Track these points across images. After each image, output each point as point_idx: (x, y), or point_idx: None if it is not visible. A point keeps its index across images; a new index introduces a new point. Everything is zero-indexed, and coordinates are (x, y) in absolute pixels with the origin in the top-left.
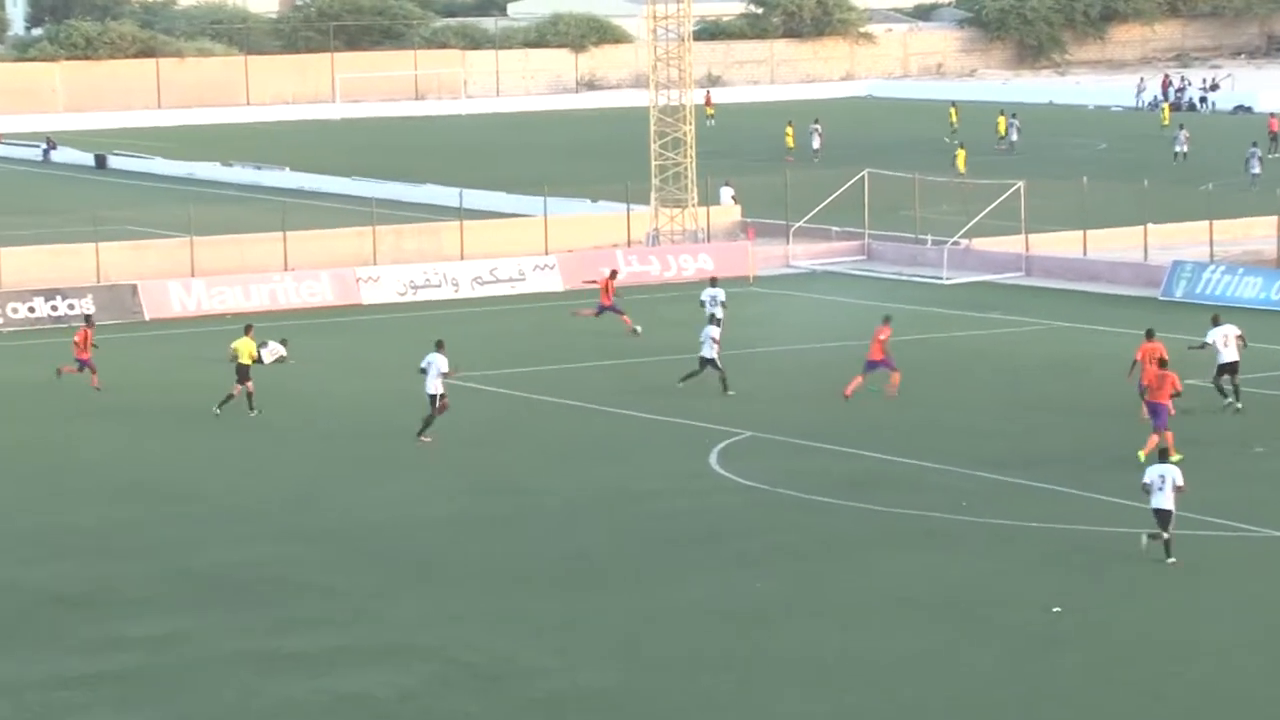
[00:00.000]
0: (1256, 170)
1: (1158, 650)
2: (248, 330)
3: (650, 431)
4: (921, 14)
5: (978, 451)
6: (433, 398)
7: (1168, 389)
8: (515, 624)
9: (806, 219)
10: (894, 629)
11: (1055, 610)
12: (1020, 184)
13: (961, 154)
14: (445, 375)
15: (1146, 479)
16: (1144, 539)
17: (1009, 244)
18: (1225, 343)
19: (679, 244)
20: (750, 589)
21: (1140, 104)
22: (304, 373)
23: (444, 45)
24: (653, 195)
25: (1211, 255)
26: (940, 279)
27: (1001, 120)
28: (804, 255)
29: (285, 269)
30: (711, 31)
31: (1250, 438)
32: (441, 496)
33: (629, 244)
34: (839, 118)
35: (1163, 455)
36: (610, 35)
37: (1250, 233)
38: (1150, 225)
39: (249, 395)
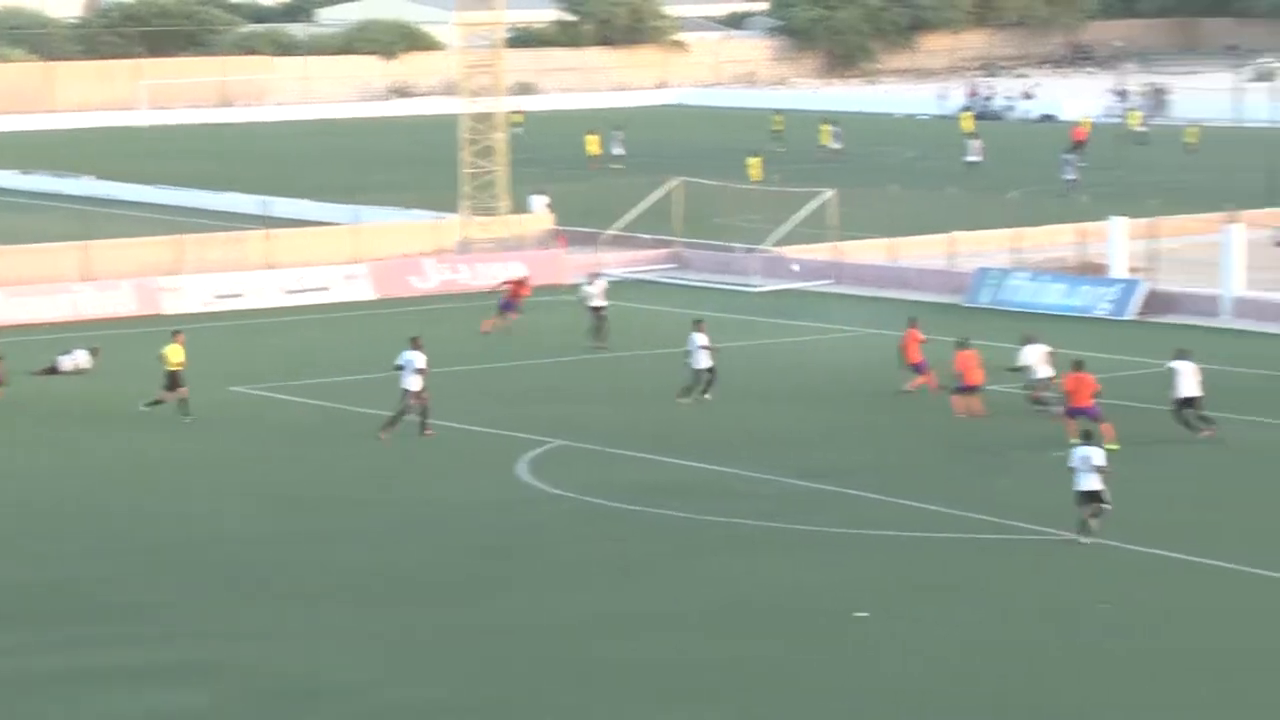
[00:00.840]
0: (1071, 176)
1: (973, 653)
2: (175, 336)
3: (461, 442)
4: (733, 23)
5: (786, 459)
6: (405, 393)
7: (1086, 391)
8: (328, 640)
9: (618, 227)
10: (712, 638)
11: (861, 615)
12: (830, 192)
13: (755, 162)
14: (421, 371)
15: (1071, 462)
16: (1081, 535)
17: (820, 251)
18: (1042, 361)
19: (490, 252)
20: (564, 600)
21: (946, 112)
22: (105, 384)
23: (252, 51)
24: (463, 203)
25: (1016, 262)
26: (751, 287)
27: (825, 128)
28: (616, 263)
29: (86, 278)
30: (524, 39)
31: (1050, 443)
32: (251, 511)
33: (439, 252)
34: (652, 126)
35: (1086, 438)
36: (421, 42)
37: (1054, 239)
38: (957, 233)
39: (182, 401)
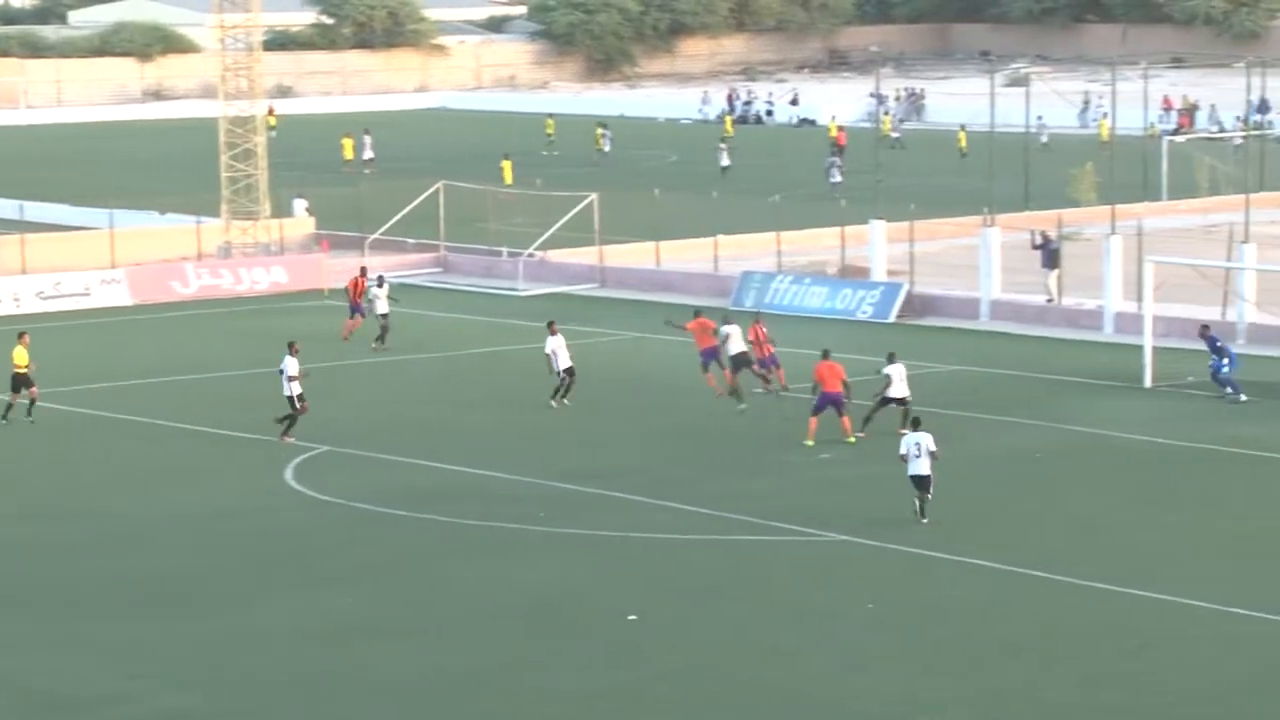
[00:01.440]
0: (837, 179)
1: (735, 655)
2: (21, 337)
3: (226, 448)
4: (493, 26)
5: (551, 462)
6: (290, 399)
7: (837, 378)
8: (89, 650)
9: (382, 231)
10: (479, 642)
11: (631, 618)
12: (593, 196)
13: (506, 165)
14: (294, 379)
15: (902, 449)
16: (919, 519)
17: (584, 255)
18: (899, 378)
19: (251, 256)
20: (332, 606)
21: (706, 117)
22: None
23: (3, 53)
24: (224, 207)
25: (779, 265)
26: (516, 290)
27: (599, 132)
28: (380, 267)
29: None
30: (281, 41)
31: (820, 446)
32: (6, 520)
33: (199, 257)
34: (413, 129)
35: (915, 424)
36: (177, 45)
37: (817, 243)
38: (721, 236)
39: (31, 402)
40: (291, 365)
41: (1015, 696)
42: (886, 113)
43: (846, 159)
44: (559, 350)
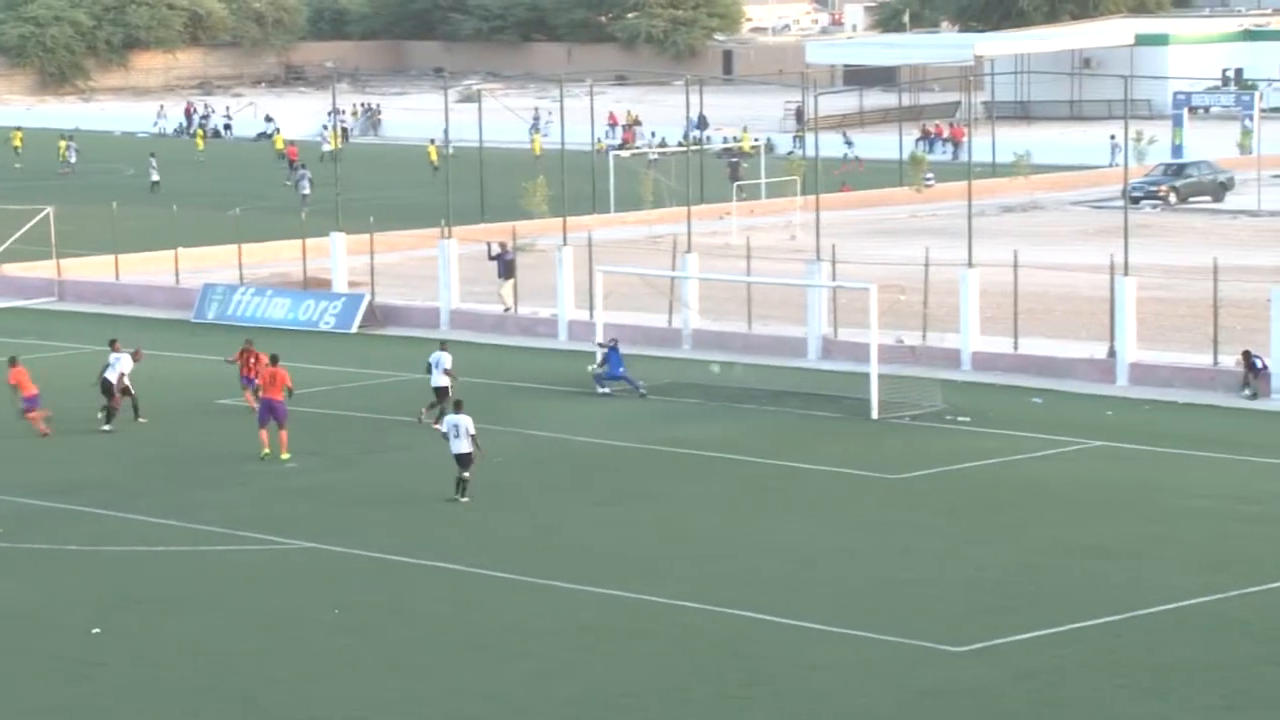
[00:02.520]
0: (306, 191)
1: (199, 663)
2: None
3: None
4: None
5: (17, 475)
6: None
7: (279, 386)
8: None
9: None
10: None
11: (95, 631)
12: (49, 209)
13: None
14: (123, 375)
15: (444, 428)
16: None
17: (41, 269)
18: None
19: None
20: None
21: (163, 130)
22: None
23: None
24: None
25: (241, 277)
26: None
27: (62, 144)
28: None
29: None
30: None
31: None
32: None
33: None
34: None
35: (457, 406)
36: None
37: (279, 255)
38: (181, 249)
39: None
40: (126, 362)
41: (473, 695)
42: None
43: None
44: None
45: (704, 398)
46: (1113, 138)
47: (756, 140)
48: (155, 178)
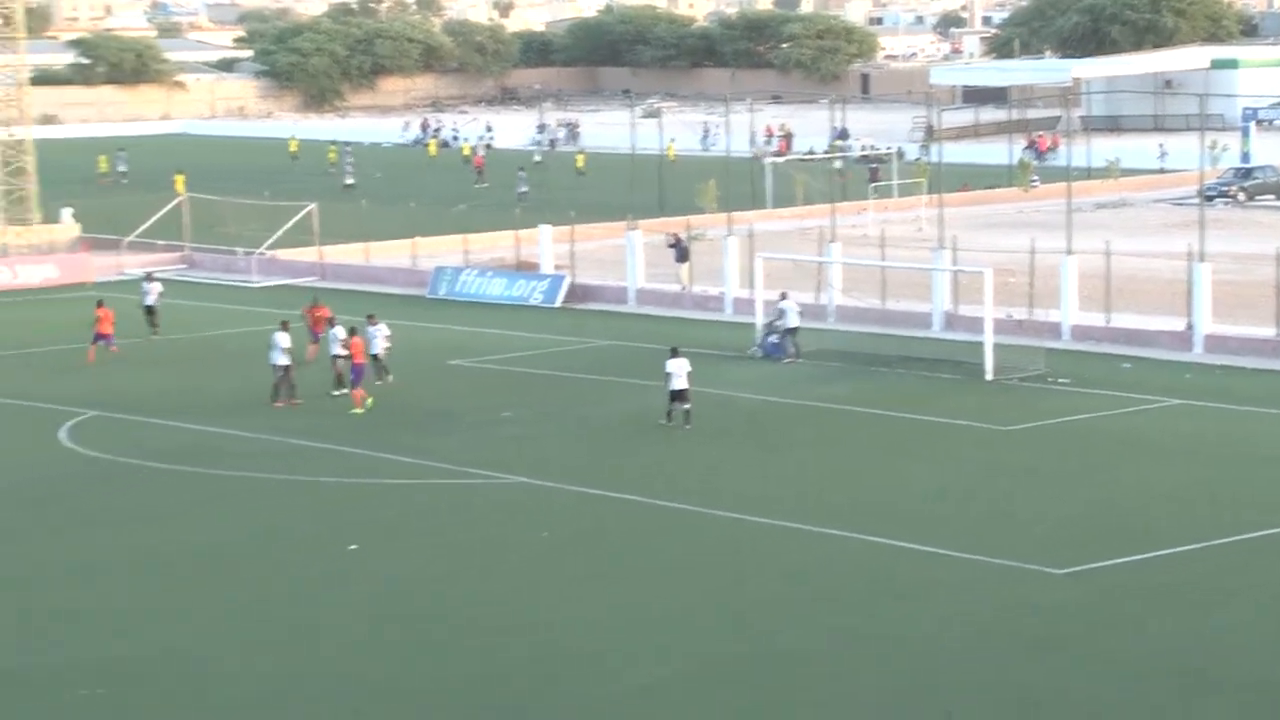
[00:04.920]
0: (524, 189)
1: (442, 574)
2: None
3: (7, 414)
4: (225, 66)
5: (281, 423)
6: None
7: (360, 351)
8: None
9: (137, 234)
10: (198, 573)
11: (351, 548)
12: (312, 205)
13: (180, 178)
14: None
15: (668, 369)
16: (684, 425)
17: (306, 254)
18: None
19: (26, 256)
20: (87, 542)
21: (406, 141)
22: None
23: None
24: (1, 216)
25: (466, 261)
26: (250, 283)
27: (332, 149)
28: (135, 264)
29: None
30: (46, 78)
31: (500, 407)
32: None
33: None
34: (159, 152)
35: (674, 352)
36: None
37: (496, 243)
38: (418, 238)
39: None
40: (282, 339)
41: (652, 605)
42: (553, 143)
43: (487, 177)
44: (379, 338)
45: (846, 362)
46: (1161, 145)
47: (889, 148)
48: (350, 181)
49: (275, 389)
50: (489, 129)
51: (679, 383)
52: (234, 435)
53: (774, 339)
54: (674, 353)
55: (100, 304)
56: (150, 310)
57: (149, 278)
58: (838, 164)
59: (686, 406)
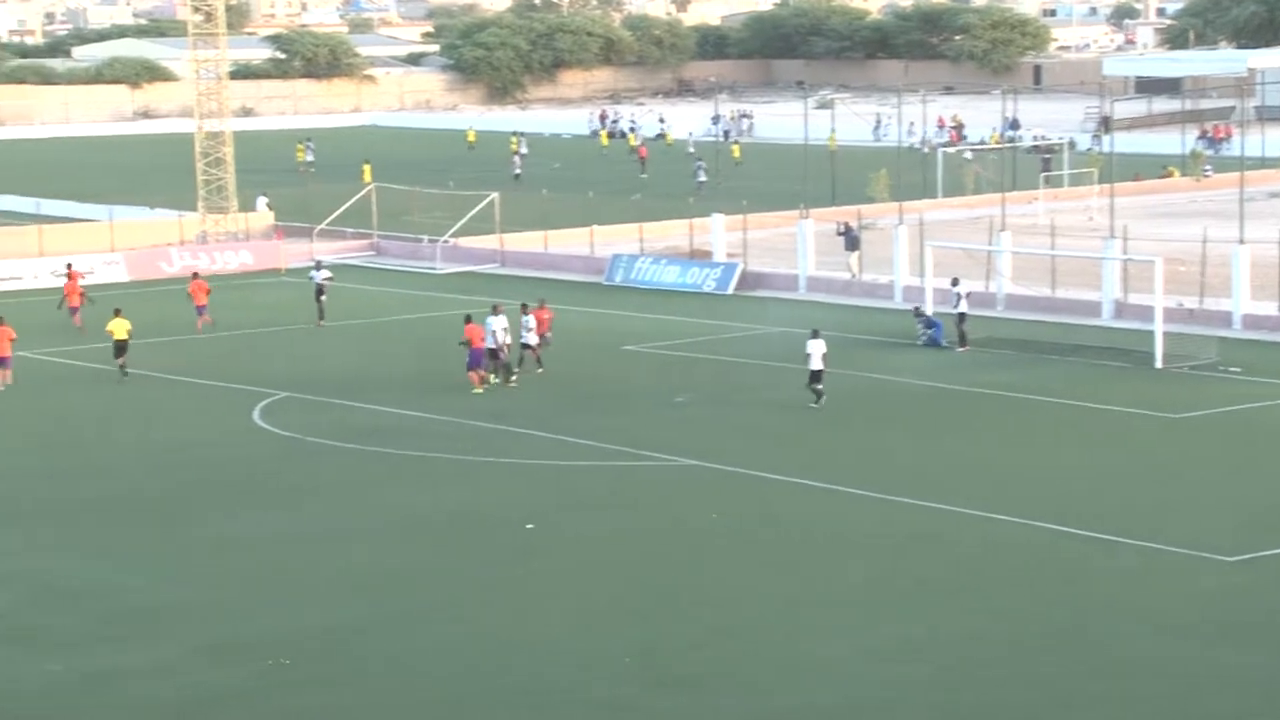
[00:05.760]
0: (702, 179)
1: (614, 553)
2: (118, 312)
3: (202, 395)
4: (413, 60)
5: (465, 404)
6: (492, 350)
7: (544, 325)
8: (88, 552)
9: (327, 222)
10: (391, 547)
11: (529, 527)
12: (494, 194)
13: (367, 168)
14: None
15: (808, 349)
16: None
17: (487, 242)
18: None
19: (223, 242)
20: (284, 517)
21: (581, 132)
22: None
23: (20, 81)
24: (200, 204)
25: (641, 249)
26: (434, 269)
27: (514, 140)
28: (325, 252)
29: None
30: (244, 72)
31: (673, 391)
32: (15, 446)
33: (182, 243)
34: (349, 142)
35: (815, 334)
36: (161, 74)
37: (670, 231)
38: (595, 226)
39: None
40: (499, 322)
41: (818, 583)
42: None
43: (649, 169)
44: (499, 330)
45: (1016, 350)
46: None
47: (1060, 139)
48: (518, 171)
49: (507, 368)
50: (661, 120)
51: (815, 363)
52: (424, 417)
53: (929, 331)
54: (814, 334)
55: (196, 275)
56: (320, 292)
57: (318, 266)
58: (968, 155)
59: (819, 386)
